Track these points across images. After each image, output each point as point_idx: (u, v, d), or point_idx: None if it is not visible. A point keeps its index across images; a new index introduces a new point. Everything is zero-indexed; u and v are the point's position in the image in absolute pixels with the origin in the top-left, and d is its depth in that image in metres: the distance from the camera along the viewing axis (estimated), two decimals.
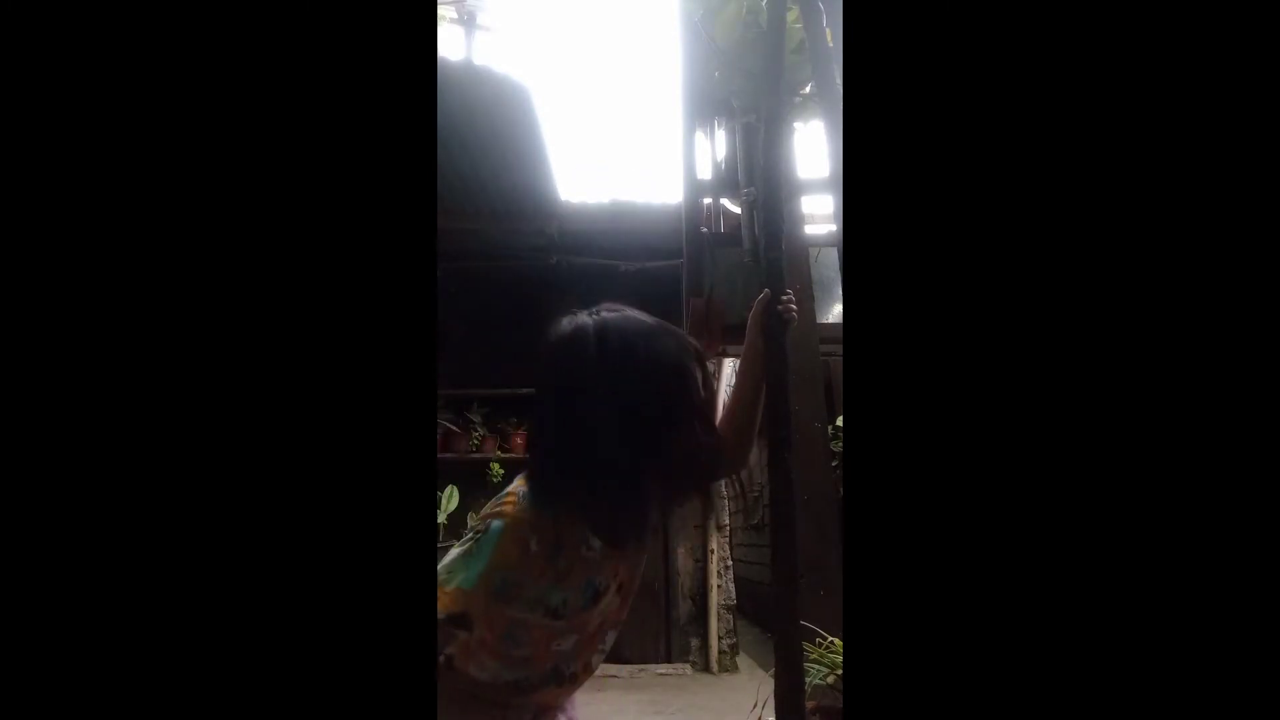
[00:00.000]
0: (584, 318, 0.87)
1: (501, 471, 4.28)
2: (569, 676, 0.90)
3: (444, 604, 0.79)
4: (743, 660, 4.51)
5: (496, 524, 0.84)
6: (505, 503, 0.87)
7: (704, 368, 0.91)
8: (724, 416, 1.11)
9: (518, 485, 0.89)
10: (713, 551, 4.58)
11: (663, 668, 4.34)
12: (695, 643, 4.47)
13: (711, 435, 0.92)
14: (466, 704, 0.82)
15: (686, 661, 4.41)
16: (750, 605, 5.79)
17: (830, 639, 1.74)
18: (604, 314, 0.88)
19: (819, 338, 2.38)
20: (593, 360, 0.83)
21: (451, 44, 5.15)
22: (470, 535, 0.85)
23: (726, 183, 2.90)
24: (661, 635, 4.53)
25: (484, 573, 0.81)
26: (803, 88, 2.88)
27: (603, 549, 0.86)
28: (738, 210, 2.93)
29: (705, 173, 2.94)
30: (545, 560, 0.83)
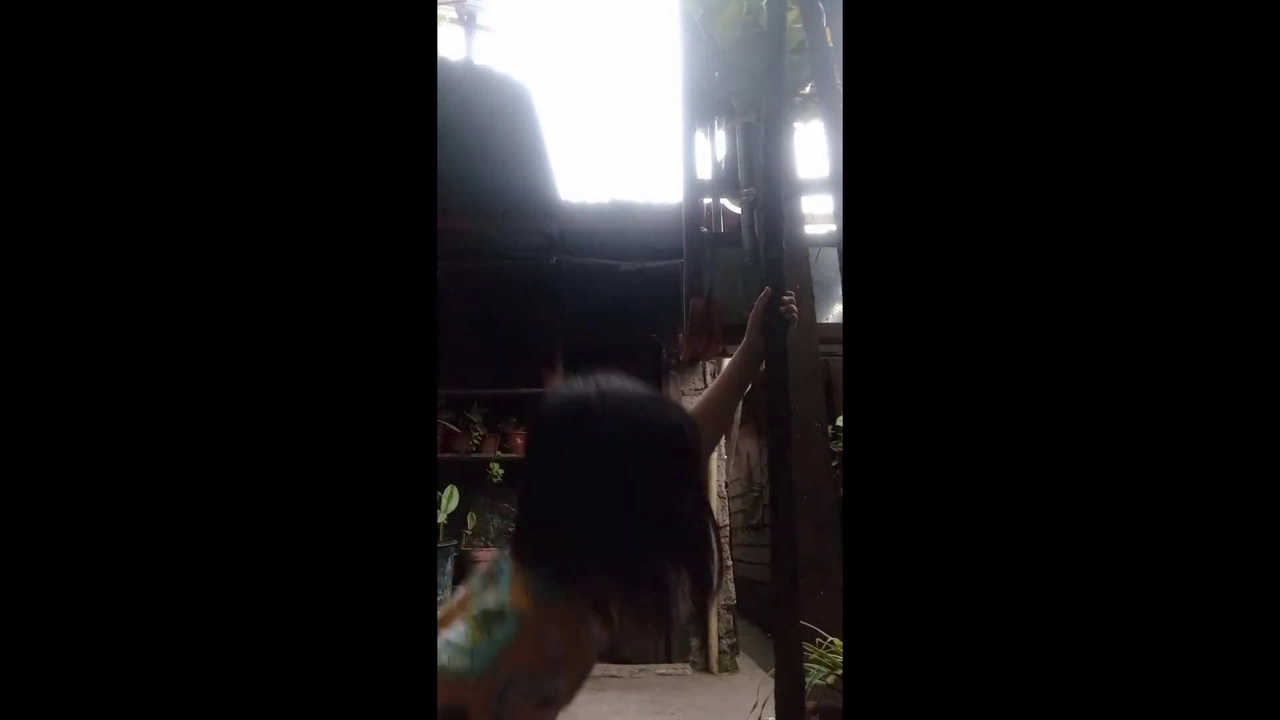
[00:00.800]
0: (581, 386, 0.82)
1: (501, 471, 4.29)
2: None
3: (445, 694, 0.70)
4: (743, 660, 4.51)
5: (511, 621, 0.75)
6: (513, 591, 0.78)
7: (699, 441, 0.87)
8: (702, 404, 1.11)
9: (510, 566, 0.80)
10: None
11: (663, 668, 4.34)
12: (695, 643, 4.47)
13: (707, 514, 0.86)
14: None
15: (686, 661, 4.41)
16: (750, 605, 5.79)
17: (830, 639, 1.74)
18: (601, 383, 0.82)
19: (819, 338, 2.38)
20: (598, 429, 0.78)
21: (451, 44, 5.15)
22: (478, 616, 0.76)
23: (726, 183, 2.90)
24: (661, 635, 4.53)
25: (492, 667, 0.73)
26: (803, 88, 2.88)
27: (600, 631, 0.83)
28: (738, 210, 2.93)
29: (705, 173, 2.94)
30: (555, 657, 0.78)
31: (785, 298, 1.13)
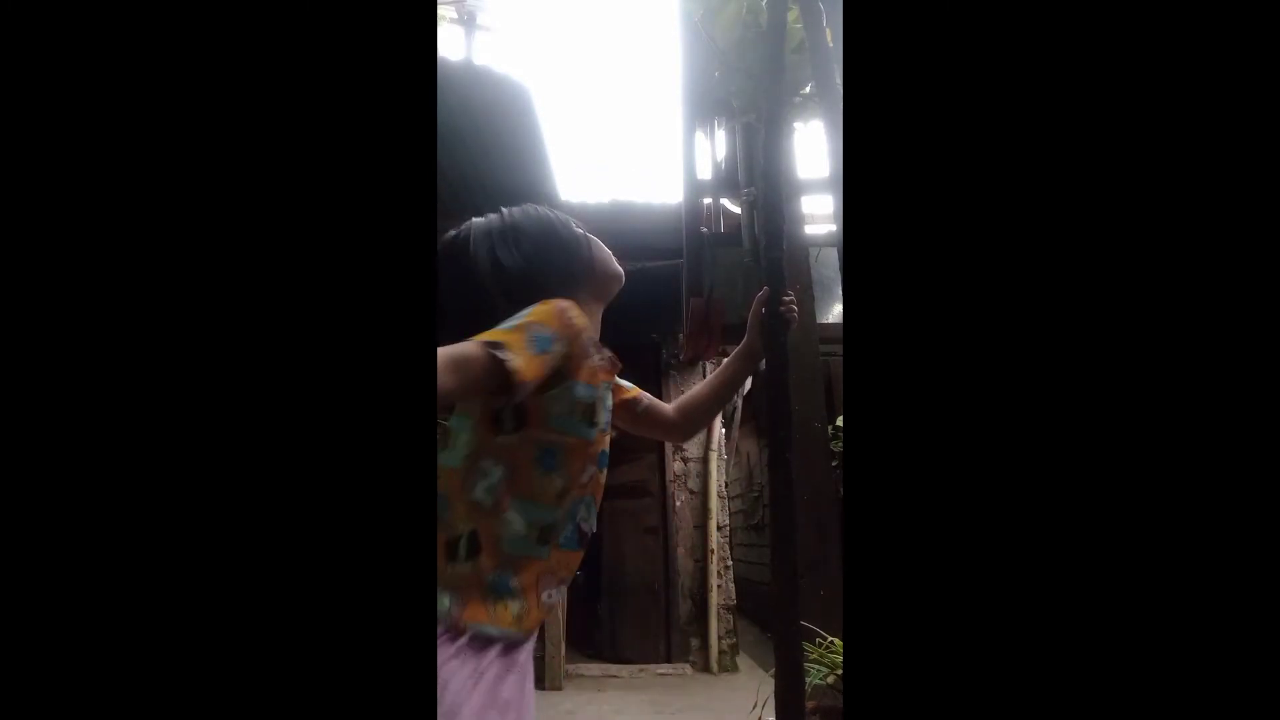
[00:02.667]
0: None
1: None
2: (589, 537, 0.92)
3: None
4: (743, 660, 4.51)
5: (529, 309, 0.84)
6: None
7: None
8: (692, 395, 1.16)
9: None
10: (713, 551, 4.58)
11: (663, 668, 4.35)
12: (695, 643, 4.47)
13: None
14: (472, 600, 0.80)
15: (686, 661, 4.41)
16: (750, 605, 5.79)
17: (830, 639, 1.74)
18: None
19: (819, 338, 2.38)
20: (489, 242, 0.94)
21: (451, 44, 5.15)
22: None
23: (726, 183, 2.90)
24: (661, 635, 4.54)
25: (508, 331, 0.80)
26: (803, 88, 2.88)
27: (603, 354, 0.92)
28: (738, 210, 2.93)
29: (705, 173, 2.94)
30: (585, 356, 0.86)
31: (785, 298, 1.13)
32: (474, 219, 0.99)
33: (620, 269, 1.03)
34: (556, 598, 0.88)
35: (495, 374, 0.75)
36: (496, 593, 0.80)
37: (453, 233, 0.98)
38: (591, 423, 0.88)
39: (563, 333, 0.82)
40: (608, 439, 0.95)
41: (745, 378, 1.17)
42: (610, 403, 0.95)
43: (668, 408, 1.14)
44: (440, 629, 0.76)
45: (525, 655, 0.84)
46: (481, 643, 0.78)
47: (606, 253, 1.02)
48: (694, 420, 1.15)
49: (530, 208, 1.00)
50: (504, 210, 0.99)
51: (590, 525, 0.92)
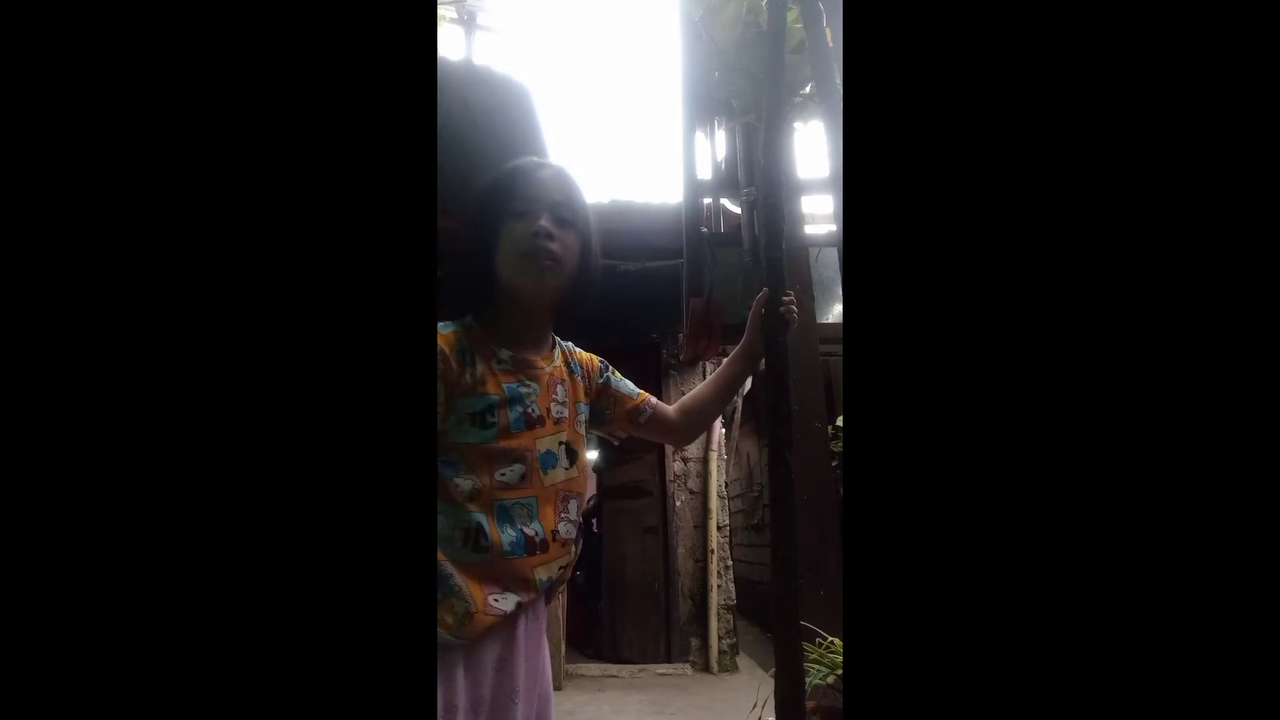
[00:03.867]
0: None
1: None
2: (537, 542, 0.91)
3: None
4: (743, 660, 4.51)
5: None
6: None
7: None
8: (694, 397, 1.16)
9: None
10: (713, 551, 4.58)
11: (663, 668, 4.35)
12: (695, 643, 4.47)
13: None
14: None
15: (686, 661, 4.41)
16: (750, 605, 5.79)
17: (830, 639, 1.74)
18: None
19: (819, 338, 2.38)
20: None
21: (451, 44, 5.16)
22: None
23: (726, 183, 2.90)
24: (661, 635, 4.53)
25: None
26: (803, 88, 2.88)
27: (513, 358, 0.94)
28: (738, 210, 2.93)
29: (705, 173, 2.94)
30: (459, 371, 0.89)
31: (785, 298, 1.13)
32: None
33: (534, 276, 0.95)
34: (507, 605, 0.87)
35: None
36: (439, 593, 0.84)
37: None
38: (485, 425, 0.89)
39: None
40: (546, 440, 0.94)
41: (745, 378, 1.18)
42: (532, 398, 0.95)
43: (671, 412, 1.14)
44: None
45: (484, 654, 0.87)
46: None
47: (522, 248, 0.94)
48: (696, 422, 1.16)
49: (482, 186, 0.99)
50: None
51: (536, 530, 0.91)
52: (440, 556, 0.85)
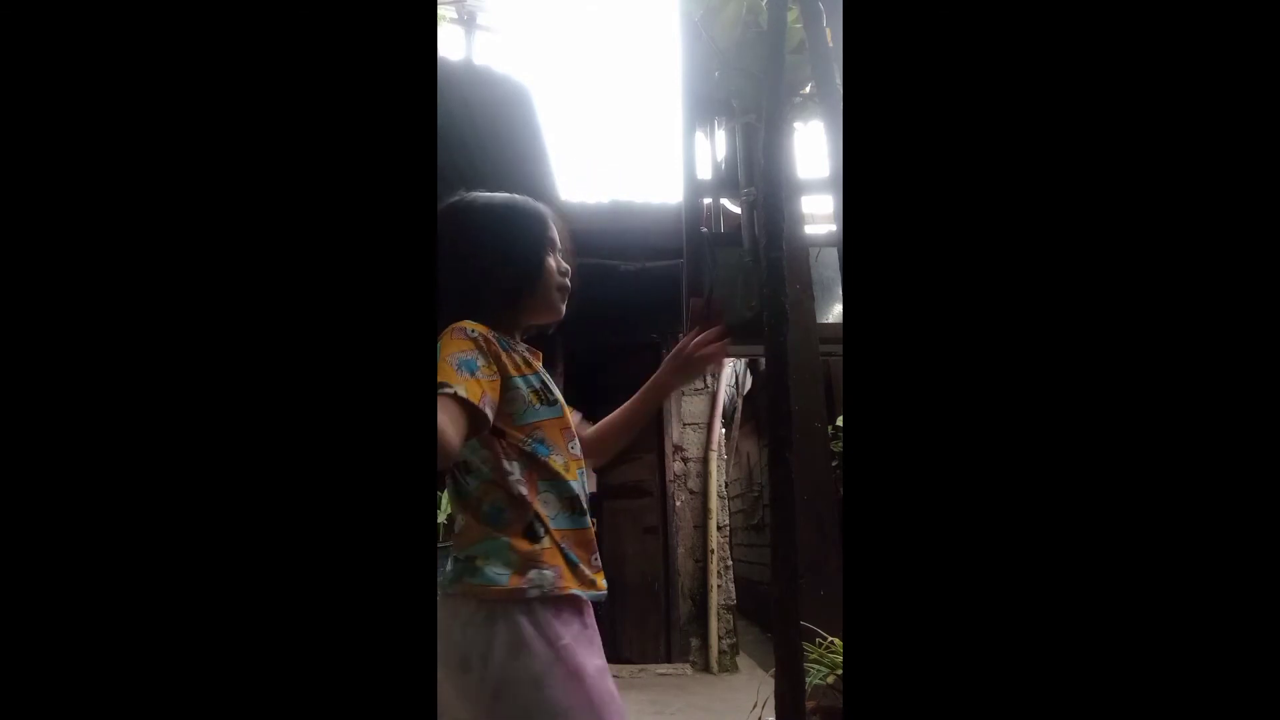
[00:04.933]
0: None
1: None
2: (588, 512, 1.00)
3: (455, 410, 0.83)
4: (743, 660, 4.51)
5: (439, 342, 0.91)
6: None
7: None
8: (606, 423, 1.19)
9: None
10: (713, 551, 4.58)
11: (663, 668, 4.34)
12: (695, 643, 4.47)
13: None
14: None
15: (686, 661, 4.41)
16: (750, 605, 5.79)
17: (830, 639, 1.74)
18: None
19: (819, 338, 2.38)
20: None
21: (451, 44, 5.15)
22: None
23: (726, 183, 2.89)
24: (661, 635, 4.53)
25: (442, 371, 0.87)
26: (803, 88, 2.87)
27: (523, 354, 1.00)
28: (738, 210, 2.93)
29: (705, 173, 2.94)
30: (506, 352, 0.94)
31: (700, 339, 1.13)
32: (475, 194, 1.06)
33: (560, 307, 1.08)
34: (600, 565, 0.98)
35: (469, 412, 0.84)
36: (570, 560, 0.92)
37: (448, 203, 1.04)
38: (549, 401, 0.99)
39: (474, 349, 0.90)
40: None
41: (649, 409, 1.19)
42: (551, 380, 1.03)
43: (588, 433, 1.16)
44: (549, 603, 0.88)
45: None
46: (578, 606, 0.92)
47: (551, 284, 1.06)
48: (599, 450, 1.17)
49: (507, 206, 1.06)
50: (479, 197, 1.05)
51: (589, 500, 1.02)
52: (558, 536, 0.93)
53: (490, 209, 1.05)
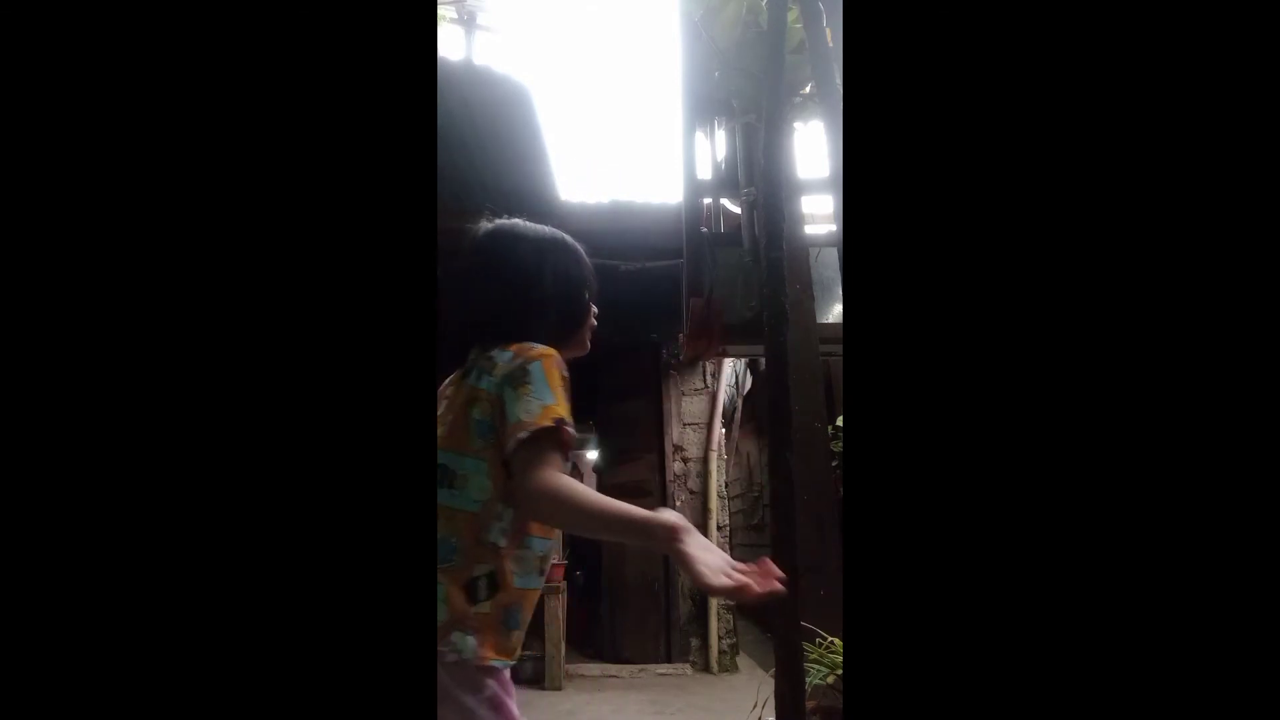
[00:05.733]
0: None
1: None
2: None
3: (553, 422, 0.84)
4: (743, 660, 4.51)
5: (535, 363, 0.90)
6: (528, 352, 0.93)
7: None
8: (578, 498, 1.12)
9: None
10: None
11: (663, 668, 4.34)
12: (695, 643, 4.47)
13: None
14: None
15: (686, 661, 4.41)
16: (750, 605, 5.77)
17: (830, 639, 1.74)
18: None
19: (819, 338, 2.38)
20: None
21: (451, 44, 5.15)
22: (503, 379, 0.90)
23: (726, 183, 2.89)
24: (661, 635, 4.53)
25: (559, 399, 0.88)
26: (803, 88, 2.87)
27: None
28: (738, 210, 2.93)
29: (705, 173, 2.94)
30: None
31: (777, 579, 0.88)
32: (517, 221, 1.06)
33: (589, 346, 1.10)
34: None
35: (572, 439, 0.86)
36: (508, 626, 0.87)
37: (496, 225, 1.05)
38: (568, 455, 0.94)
39: (562, 379, 0.91)
40: None
41: (627, 538, 0.94)
42: None
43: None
44: (464, 670, 0.83)
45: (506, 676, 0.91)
46: (493, 675, 0.85)
47: (589, 320, 1.09)
48: (540, 519, 1.07)
49: (555, 241, 1.07)
50: (522, 225, 1.06)
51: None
52: (506, 596, 0.89)
53: (541, 241, 1.06)
